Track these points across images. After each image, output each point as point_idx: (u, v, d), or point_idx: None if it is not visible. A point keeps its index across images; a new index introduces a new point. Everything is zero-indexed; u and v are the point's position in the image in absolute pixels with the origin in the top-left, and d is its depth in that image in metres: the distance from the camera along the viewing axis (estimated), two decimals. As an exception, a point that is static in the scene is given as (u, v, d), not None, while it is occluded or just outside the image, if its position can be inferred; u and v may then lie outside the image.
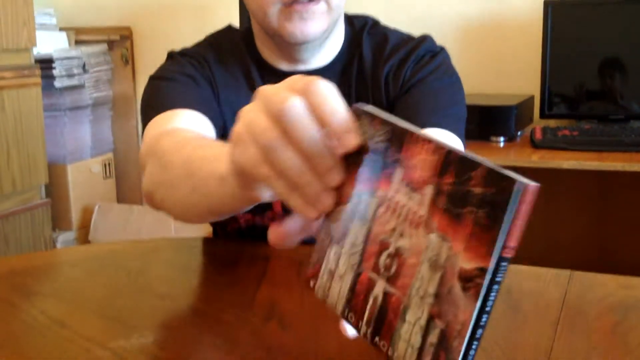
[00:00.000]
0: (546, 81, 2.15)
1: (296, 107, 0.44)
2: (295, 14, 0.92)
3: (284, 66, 1.03)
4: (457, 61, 1.09)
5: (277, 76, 1.03)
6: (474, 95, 2.24)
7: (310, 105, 0.45)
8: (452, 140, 0.94)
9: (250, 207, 0.65)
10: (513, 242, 0.36)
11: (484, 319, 0.37)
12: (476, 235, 0.37)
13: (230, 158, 0.51)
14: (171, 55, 1.06)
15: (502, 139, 2.04)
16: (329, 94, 0.45)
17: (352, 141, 0.44)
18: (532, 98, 2.24)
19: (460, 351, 0.36)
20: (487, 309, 0.37)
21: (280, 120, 0.45)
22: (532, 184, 0.37)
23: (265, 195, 0.53)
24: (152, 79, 1.03)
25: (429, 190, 0.40)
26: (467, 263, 0.37)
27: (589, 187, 2.29)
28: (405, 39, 1.05)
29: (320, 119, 0.44)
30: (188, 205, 0.71)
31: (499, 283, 0.37)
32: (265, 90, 0.48)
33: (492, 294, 0.37)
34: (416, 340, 0.39)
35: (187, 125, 0.90)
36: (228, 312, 0.69)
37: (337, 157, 0.45)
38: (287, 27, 0.94)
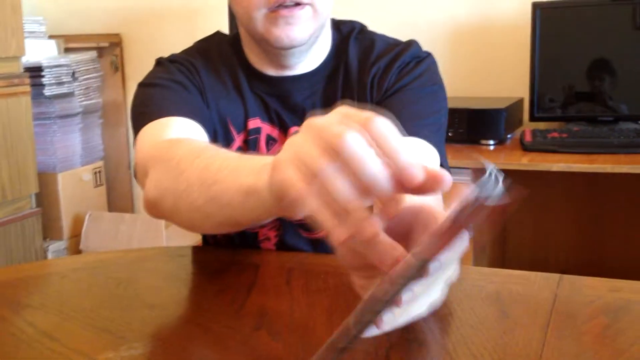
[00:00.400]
0: (535, 84, 2.16)
1: (357, 140, 0.45)
2: (281, 19, 0.93)
3: (271, 71, 1.03)
4: (446, 65, 1.09)
5: (264, 81, 1.04)
6: (463, 99, 2.24)
7: (371, 139, 0.45)
8: (427, 150, 0.94)
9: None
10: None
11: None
12: None
13: (270, 180, 0.52)
14: (160, 62, 1.06)
15: (491, 142, 2.05)
16: (392, 131, 0.46)
17: (420, 175, 0.44)
18: (521, 101, 2.25)
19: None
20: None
21: (336, 152, 0.45)
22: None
23: (301, 214, 0.53)
24: (142, 85, 1.02)
25: None
26: None
27: (578, 189, 2.30)
28: (391, 44, 1.05)
29: (384, 153, 0.45)
30: (203, 214, 0.71)
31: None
32: (317, 123, 0.48)
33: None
34: None
35: (182, 132, 0.90)
36: (218, 322, 0.69)
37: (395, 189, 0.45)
38: (274, 31, 0.94)
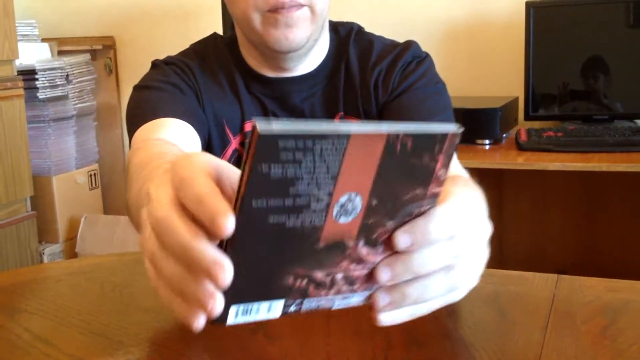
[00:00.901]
0: (530, 83, 2.16)
1: (165, 218, 0.43)
2: (280, 19, 0.92)
3: (268, 73, 1.03)
4: (441, 64, 1.09)
5: (262, 83, 1.03)
6: (458, 98, 2.24)
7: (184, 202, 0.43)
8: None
9: None
10: None
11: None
12: None
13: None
14: (155, 64, 1.05)
15: (487, 141, 2.05)
16: (193, 183, 0.43)
17: (227, 227, 0.41)
18: (516, 100, 2.25)
19: None
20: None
21: (156, 232, 0.45)
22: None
23: None
24: (137, 88, 1.02)
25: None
26: None
27: (574, 188, 2.30)
28: (390, 45, 1.05)
29: (194, 214, 0.43)
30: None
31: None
32: (150, 196, 0.46)
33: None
34: None
35: (173, 135, 0.90)
36: (214, 325, 0.69)
37: (217, 254, 0.42)
38: (272, 33, 0.93)
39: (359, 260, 0.47)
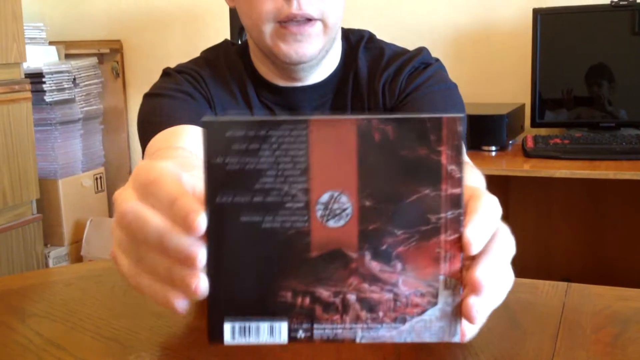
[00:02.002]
0: (536, 89, 2.16)
1: (136, 210, 0.45)
2: (290, 35, 0.92)
3: (280, 82, 1.03)
4: (448, 71, 1.09)
5: (273, 92, 1.03)
6: (464, 105, 2.24)
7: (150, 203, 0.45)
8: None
9: None
10: None
11: None
12: None
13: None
14: (167, 73, 1.04)
15: (493, 148, 2.05)
16: (163, 185, 0.45)
17: (199, 224, 0.42)
18: (522, 107, 2.25)
19: None
20: None
21: (126, 230, 0.46)
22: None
23: None
24: (149, 95, 1.01)
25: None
26: None
27: (581, 195, 2.30)
28: (400, 52, 1.05)
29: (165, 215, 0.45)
30: None
31: None
32: (114, 202, 0.49)
33: None
34: None
35: (191, 142, 0.88)
36: (212, 344, 0.69)
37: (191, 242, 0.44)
38: (282, 47, 0.93)
39: (373, 279, 0.44)
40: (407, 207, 0.43)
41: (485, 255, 0.46)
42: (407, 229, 0.43)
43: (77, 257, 2.74)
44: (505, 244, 0.51)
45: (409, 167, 0.42)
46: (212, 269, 0.43)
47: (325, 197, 0.42)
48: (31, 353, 0.66)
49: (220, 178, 0.41)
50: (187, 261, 0.44)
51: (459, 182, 0.43)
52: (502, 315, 0.71)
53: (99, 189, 2.89)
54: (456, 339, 0.46)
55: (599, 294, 0.76)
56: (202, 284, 0.44)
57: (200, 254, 0.43)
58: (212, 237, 0.42)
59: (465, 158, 0.94)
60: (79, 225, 2.76)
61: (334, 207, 0.42)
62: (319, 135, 0.40)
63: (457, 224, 0.44)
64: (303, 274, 0.44)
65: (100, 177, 2.90)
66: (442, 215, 0.43)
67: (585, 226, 2.32)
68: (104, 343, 0.67)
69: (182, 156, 0.80)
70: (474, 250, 0.44)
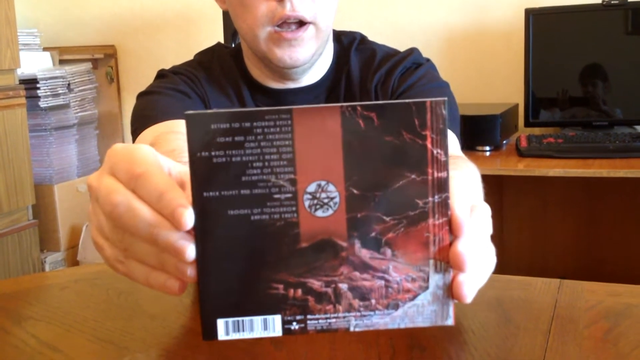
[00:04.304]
0: (529, 89, 2.17)
1: (125, 202, 0.45)
2: (284, 41, 0.93)
3: (273, 84, 1.03)
4: (441, 72, 1.10)
5: (267, 94, 1.04)
6: (458, 105, 2.25)
7: (138, 194, 0.45)
8: (452, 139, 0.95)
9: None
10: None
11: None
12: None
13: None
14: (162, 74, 1.05)
15: (487, 148, 2.06)
16: (151, 178, 0.45)
17: (186, 219, 0.43)
18: (516, 106, 2.26)
19: None
20: None
21: (115, 221, 0.46)
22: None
23: None
24: (144, 93, 1.01)
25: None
26: None
27: (575, 194, 2.31)
28: (392, 53, 1.06)
29: (151, 205, 0.45)
30: None
31: None
32: (93, 189, 0.49)
33: None
34: None
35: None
36: (206, 340, 0.69)
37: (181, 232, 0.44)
38: (276, 52, 0.94)
39: (363, 266, 0.44)
40: (394, 193, 0.43)
41: (465, 230, 0.45)
42: (395, 215, 0.43)
43: (73, 262, 2.74)
44: (484, 220, 0.51)
45: (394, 153, 0.42)
46: (202, 264, 0.44)
47: (312, 187, 0.42)
48: (27, 356, 0.66)
49: (206, 172, 0.41)
50: (177, 256, 0.44)
51: (444, 165, 0.43)
52: (495, 311, 0.72)
53: (95, 194, 2.88)
54: (449, 322, 0.46)
55: (591, 290, 0.77)
56: (193, 270, 0.45)
57: (189, 249, 0.43)
58: (200, 232, 0.43)
59: (459, 153, 0.94)
60: (75, 231, 2.76)
61: (322, 196, 0.42)
62: (303, 124, 0.41)
63: (445, 207, 0.44)
64: (294, 266, 0.44)
65: (96, 182, 2.89)
66: (430, 199, 0.43)
67: (579, 225, 2.33)
68: (100, 345, 0.68)
69: (183, 140, 0.80)
70: (464, 229, 0.45)
